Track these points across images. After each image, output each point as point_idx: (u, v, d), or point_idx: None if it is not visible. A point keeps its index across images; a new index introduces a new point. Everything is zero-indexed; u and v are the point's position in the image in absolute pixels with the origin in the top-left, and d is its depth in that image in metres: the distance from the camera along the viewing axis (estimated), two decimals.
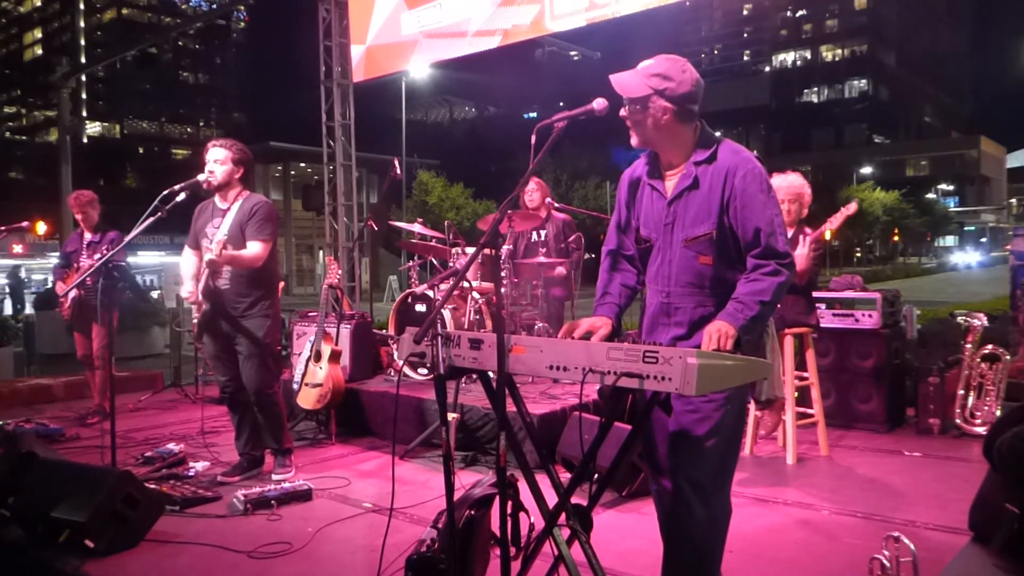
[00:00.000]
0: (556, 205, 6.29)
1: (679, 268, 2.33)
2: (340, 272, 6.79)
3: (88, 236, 6.00)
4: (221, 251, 3.94)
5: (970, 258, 56.19)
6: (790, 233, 4.41)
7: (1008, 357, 5.03)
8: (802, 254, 4.27)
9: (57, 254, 6.38)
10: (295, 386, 5.08)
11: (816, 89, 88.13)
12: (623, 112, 2.33)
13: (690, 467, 2.25)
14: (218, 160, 4.22)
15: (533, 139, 2.36)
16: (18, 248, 32.38)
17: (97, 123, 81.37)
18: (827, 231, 4.51)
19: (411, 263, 6.72)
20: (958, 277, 38.00)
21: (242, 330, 4.22)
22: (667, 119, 2.28)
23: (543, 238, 6.18)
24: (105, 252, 5.72)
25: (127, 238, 4.23)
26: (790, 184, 4.40)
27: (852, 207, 4.65)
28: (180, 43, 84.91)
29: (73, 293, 5.83)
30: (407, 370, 5.43)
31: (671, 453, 2.30)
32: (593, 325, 2.36)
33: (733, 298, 2.21)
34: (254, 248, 4.15)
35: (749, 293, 2.19)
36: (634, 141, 2.37)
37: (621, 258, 2.54)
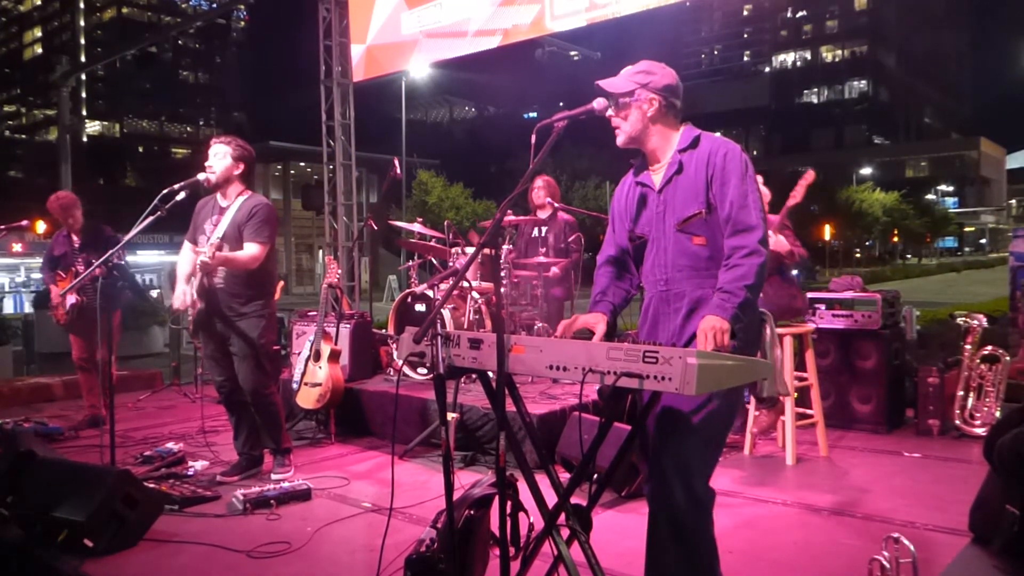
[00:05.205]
0: (556, 205, 6.26)
1: (675, 253, 2.38)
2: (340, 272, 6.78)
3: (75, 239, 5.70)
4: (214, 253, 3.90)
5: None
6: None
7: (1007, 358, 5.03)
8: (779, 240, 4.33)
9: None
10: (294, 386, 5.08)
11: (816, 90, 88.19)
12: (609, 112, 2.42)
13: (676, 447, 2.26)
14: (217, 155, 4.21)
15: (533, 139, 2.39)
16: (17, 247, 32.33)
17: (97, 122, 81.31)
18: (791, 204, 4.51)
19: (411, 263, 6.72)
20: None
21: (236, 330, 4.19)
22: (654, 111, 2.40)
23: (543, 234, 6.16)
24: (102, 254, 5.61)
25: (126, 237, 4.21)
26: None
27: (809, 176, 4.64)
28: (180, 42, 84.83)
29: (73, 299, 5.55)
30: (407, 370, 5.43)
31: (658, 432, 2.31)
32: (588, 322, 2.43)
33: (718, 288, 2.24)
34: (251, 250, 4.12)
35: (732, 280, 2.23)
36: (620, 140, 2.45)
37: (617, 265, 2.58)
